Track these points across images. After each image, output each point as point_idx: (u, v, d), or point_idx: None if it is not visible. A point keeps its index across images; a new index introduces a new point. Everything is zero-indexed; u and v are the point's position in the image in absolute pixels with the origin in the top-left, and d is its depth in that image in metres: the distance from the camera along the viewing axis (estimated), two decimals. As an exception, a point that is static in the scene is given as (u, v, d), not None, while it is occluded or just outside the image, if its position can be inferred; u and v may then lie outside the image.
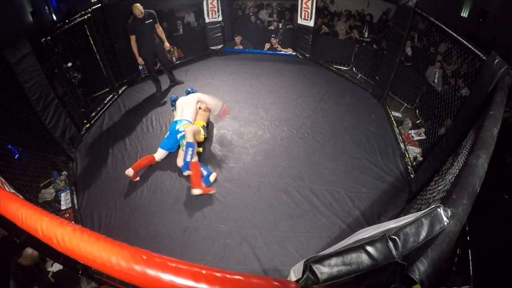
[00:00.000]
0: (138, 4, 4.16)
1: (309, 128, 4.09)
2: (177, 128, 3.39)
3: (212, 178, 3.29)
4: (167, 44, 4.65)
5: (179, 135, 3.37)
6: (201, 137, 3.46)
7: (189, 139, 3.19)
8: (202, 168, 3.26)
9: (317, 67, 5.74)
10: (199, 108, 3.82)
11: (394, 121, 4.27)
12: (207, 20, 5.88)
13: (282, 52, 6.27)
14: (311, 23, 5.56)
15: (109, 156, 3.70)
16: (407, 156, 3.70)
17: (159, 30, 4.53)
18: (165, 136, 3.54)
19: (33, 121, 3.30)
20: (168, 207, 3.08)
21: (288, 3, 7.58)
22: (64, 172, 3.58)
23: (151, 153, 3.55)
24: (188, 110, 3.53)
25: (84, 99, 4.47)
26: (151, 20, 4.34)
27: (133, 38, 4.32)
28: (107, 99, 4.72)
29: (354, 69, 5.84)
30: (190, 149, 3.17)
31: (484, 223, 3.14)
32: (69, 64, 4.02)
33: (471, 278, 2.51)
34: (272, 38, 6.23)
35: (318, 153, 3.69)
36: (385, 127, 4.19)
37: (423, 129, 4.15)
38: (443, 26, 3.33)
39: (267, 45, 6.32)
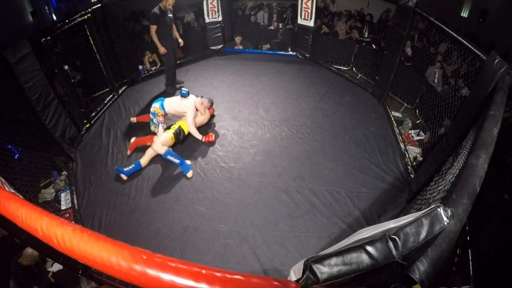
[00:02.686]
0: None
1: (309, 128, 4.09)
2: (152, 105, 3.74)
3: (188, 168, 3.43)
4: (181, 41, 4.68)
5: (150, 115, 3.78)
6: (171, 141, 3.55)
7: (160, 151, 3.37)
8: (172, 157, 3.37)
9: (317, 67, 5.74)
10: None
11: (394, 121, 4.27)
12: (207, 20, 5.88)
13: (282, 52, 6.27)
14: (311, 23, 5.56)
15: (109, 156, 3.70)
16: (407, 156, 3.70)
17: (174, 26, 4.59)
18: None
19: (33, 121, 3.29)
20: (168, 207, 3.08)
21: (288, 3, 7.58)
22: (64, 172, 3.58)
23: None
24: (172, 107, 3.72)
25: (84, 99, 4.47)
26: (171, 15, 4.36)
27: (154, 28, 4.24)
28: (107, 99, 4.71)
29: (354, 69, 5.84)
30: (169, 157, 3.36)
31: (484, 223, 3.14)
32: (65, 67, 4.01)
33: (471, 278, 2.51)
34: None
35: (318, 153, 3.69)
36: (385, 127, 4.19)
37: (426, 134, 4.13)
38: (443, 26, 3.33)
39: (266, 47, 6.33)
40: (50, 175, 3.56)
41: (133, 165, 3.39)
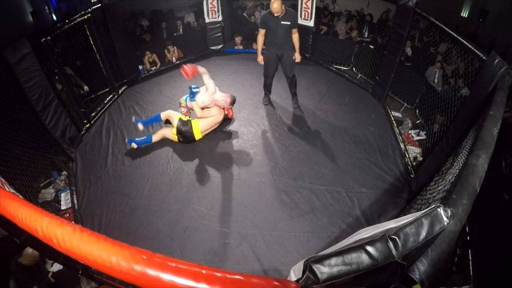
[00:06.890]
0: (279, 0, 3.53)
1: (309, 128, 4.09)
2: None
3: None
4: (297, 56, 4.02)
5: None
6: (172, 138, 3.75)
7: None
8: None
9: (317, 67, 5.73)
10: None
11: (394, 121, 4.27)
12: (207, 20, 5.88)
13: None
14: (311, 23, 5.56)
15: (109, 156, 3.70)
16: (407, 156, 3.70)
17: (295, 36, 3.90)
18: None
19: (33, 121, 3.29)
20: (168, 207, 3.08)
21: (288, 3, 7.57)
22: (64, 172, 3.58)
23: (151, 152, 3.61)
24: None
25: (84, 99, 4.47)
26: (288, 23, 3.73)
27: (262, 31, 3.91)
28: (107, 99, 4.71)
29: (354, 69, 5.84)
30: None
31: (484, 223, 3.13)
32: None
33: (471, 278, 2.52)
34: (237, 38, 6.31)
35: (318, 153, 3.69)
36: (385, 127, 4.19)
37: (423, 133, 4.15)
38: (443, 26, 3.33)
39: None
40: (50, 175, 3.56)
41: (145, 137, 3.68)
